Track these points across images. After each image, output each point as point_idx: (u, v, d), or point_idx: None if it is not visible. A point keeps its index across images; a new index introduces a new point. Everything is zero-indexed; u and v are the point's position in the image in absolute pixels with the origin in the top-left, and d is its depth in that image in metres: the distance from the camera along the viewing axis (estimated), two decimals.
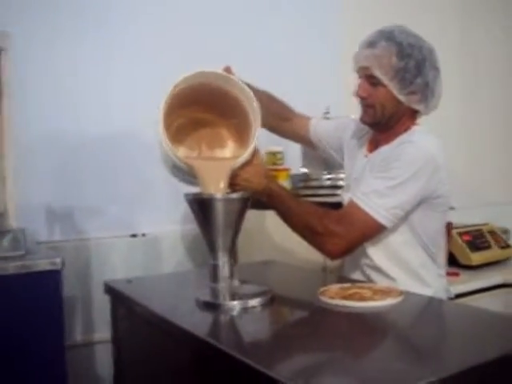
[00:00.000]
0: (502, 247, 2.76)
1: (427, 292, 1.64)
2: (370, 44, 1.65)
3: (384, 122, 1.70)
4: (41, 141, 2.15)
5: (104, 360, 2.12)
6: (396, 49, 1.62)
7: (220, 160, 1.58)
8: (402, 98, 1.65)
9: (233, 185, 1.52)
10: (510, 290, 2.48)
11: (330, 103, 2.30)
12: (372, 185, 1.62)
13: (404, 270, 1.68)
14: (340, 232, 1.59)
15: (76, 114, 2.22)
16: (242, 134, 1.59)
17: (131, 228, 2.33)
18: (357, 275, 1.74)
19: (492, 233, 2.79)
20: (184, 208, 1.63)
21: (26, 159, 2.04)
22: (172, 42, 2.39)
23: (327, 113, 2.24)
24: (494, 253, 2.69)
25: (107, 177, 2.28)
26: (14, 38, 1.82)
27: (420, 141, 1.65)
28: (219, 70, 1.57)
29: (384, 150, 1.71)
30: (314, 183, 2.25)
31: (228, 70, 1.59)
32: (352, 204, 1.62)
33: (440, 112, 1.77)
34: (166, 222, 2.40)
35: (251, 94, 1.52)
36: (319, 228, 1.60)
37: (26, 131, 2.04)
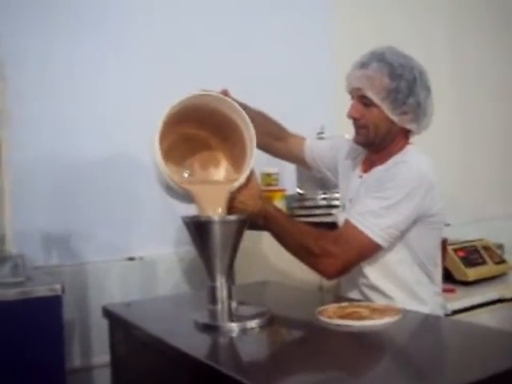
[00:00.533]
0: (497, 262, 2.76)
1: (424, 309, 1.65)
2: (362, 65, 1.68)
3: (377, 142, 1.72)
4: (36, 165, 2.15)
5: None
6: (387, 70, 1.65)
7: (217, 184, 1.59)
8: (394, 118, 1.68)
9: (229, 208, 1.53)
10: (507, 306, 2.48)
11: (324, 123, 2.32)
12: (367, 205, 1.63)
13: (401, 288, 1.69)
14: (336, 252, 1.60)
15: (72, 137, 2.22)
16: (236, 154, 1.60)
17: (128, 251, 2.32)
18: (354, 294, 1.75)
19: (487, 248, 2.80)
20: (181, 230, 1.64)
21: (22, 183, 2.04)
22: (164, 62, 2.41)
23: (321, 133, 2.26)
24: (489, 268, 2.70)
25: (103, 200, 2.28)
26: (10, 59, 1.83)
27: (413, 160, 1.67)
28: (216, 92, 1.59)
29: (378, 170, 1.73)
30: (309, 203, 2.26)
31: (225, 92, 1.61)
32: (348, 224, 1.64)
33: (432, 129, 1.78)
34: (163, 244, 2.40)
35: (247, 117, 1.54)
36: (315, 248, 1.61)
37: (21, 155, 2.04)
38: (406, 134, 1.74)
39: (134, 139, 2.03)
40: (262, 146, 1.79)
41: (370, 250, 1.63)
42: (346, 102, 1.75)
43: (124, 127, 2.29)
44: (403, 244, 1.67)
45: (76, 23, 2.25)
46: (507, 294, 2.49)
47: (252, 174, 1.57)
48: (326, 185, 2.18)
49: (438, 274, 1.79)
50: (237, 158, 1.60)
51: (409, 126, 1.71)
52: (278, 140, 2.00)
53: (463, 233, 2.89)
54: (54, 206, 2.20)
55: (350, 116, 1.72)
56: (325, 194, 2.24)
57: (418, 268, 1.71)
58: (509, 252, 3.06)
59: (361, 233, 1.60)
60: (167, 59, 2.42)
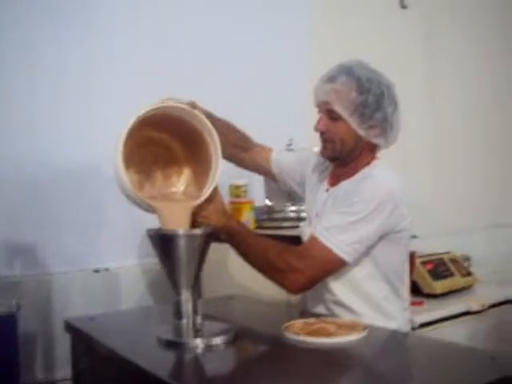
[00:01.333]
0: (464, 275, 2.77)
1: (391, 325, 1.64)
2: (330, 79, 1.67)
3: (344, 156, 1.72)
4: (1, 172, 2.11)
5: None
6: (355, 84, 1.64)
7: (181, 201, 1.57)
8: (361, 132, 1.67)
9: (192, 222, 1.51)
10: (474, 318, 2.49)
11: (294, 135, 2.31)
12: (333, 220, 1.62)
13: (367, 303, 1.68)
14: (301, 267, 1.58)
15: (39, 146, 2.18)
16: (200, 166, 1.59)
17: (93, 263, 2.28)
18: (320, 309, 1.73)
19: (454, 261, 2.81)
20: (147, 242, 1.62)
21: None
22: (135, 71, 2.38)
23: (290, 145, 2.25)
24: (456, 281, 2.70)
25: (69, 210, 2.24)
26: None
27: (380, 176, 1.67)
28: (183, 103, 1.57)
29: (345, 184, 1.72)
30: (277, 215, 2.25)
31: (193, 104, 1.58)
32: (313, 239, 1.62)
33: (403, 141, 1.79)
34: (128, 256, 2.36)
35: (214, 131, 1.53)
36: (279, 263, 1.59)
37: None
38: (372, 149, 1.74)
39: (100, 150, 2.00)
40: (226, 157, 1.77)
41: (335, 266, 1.62)
42: (316, 115, 1.74)
43: (86, 136, 2.26)
44: (369, 259, 1.66)
45: (62, 28, 2.23)
46: (474, 307, 2.50)
47: (216, 189, 1.56)
48: (295, 197, 2.16)
49: (406, 289, 1.79)
50: (201, 170, 1.59)
51: (376, 141, 1.70)
52: (243, 150, 1.96)
53: (430, 245, 2.89)
54: (18, 215, 2.15)
55: (317, 129, 1.71)
56: (293, 205, 2.23)
57: (384, 284, 1.70)
58: (476, 264, 3.09)
59: (326, 248, 1.59)
60: (137, 69, 2.40)
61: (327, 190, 1.78)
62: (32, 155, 2.17)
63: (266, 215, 2.30)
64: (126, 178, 1.43)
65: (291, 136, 2.29)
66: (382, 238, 1.64)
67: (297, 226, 2.12)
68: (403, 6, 3.32)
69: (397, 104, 1.71)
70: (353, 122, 1.65)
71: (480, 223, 3.66)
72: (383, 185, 1.64)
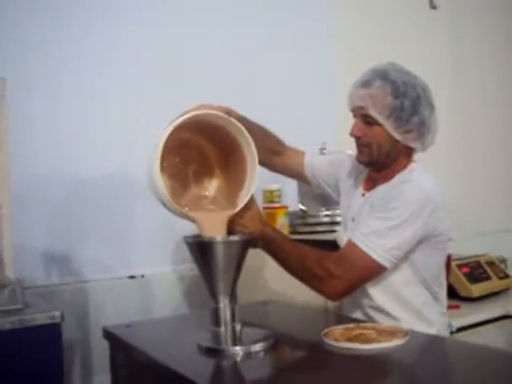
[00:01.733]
0: (501, 277, 2.73)
1: (430, 330, 1.62)
2: (365, 83, 1.65)
3: (380, 160, 1.70)
4: (35, 183, 2.13)
5: None
6: (391, 88, 1.62)
7: (218, 212, 1.56)
8: (398, 136, 1.65)
9: (228, 229, 1.51)
10: None
11: (326, 139, 2.30)
12: (371, 225, 1.60)
13: (406, 309, 1.66)
14: (339, 274, 1.57)
15: (72, 156, 2.21)
16: (234, 173, 1.58)
17: (129, 269, 2.30)
18: (357, 314, 1.71)
19: (490, 263, 2.77)
20: (181, 248, 1.62)
21: (23, 201, 2.02)
22: (167, 81, 2.40)
23: (323, 148, 2.24)
24: (493, 284, 2.66)
25: (103, 218, 2.26)
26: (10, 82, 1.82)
27: (418, 180, 1.64)
28: (219, 108, 1.56)
29: (382, 188, 1.70)
30: (311, 220, 2.24)
31: (228, 110, 1.56)
32: (351, 245, 1.61)
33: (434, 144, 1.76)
34: (163, 262, 2.38)
35: (251, 140, 1.51)
36: (318, 270, 1.59)
37: (21, 174, 2.02)
38: (409, 152, 1.72)
39: (132, 157, 2.02)
40: (259, 161, 1.76)
41: (373, 272, 1.60)
42: (349, 118, 1.73)
43: (122, 145, 2.29)
44: (408, 265, 1.64)
45: (83, 37, 2.26)
46: None
47: (252, 195, 1.55)
48: (329, 201, 2.16)
49: (444, 294, 1.77)
50: (233, 179, 1.58)
51: (412, 144, 1.68)
52: (277, 154, 1.95)
53: (465, 247, 2.86)
54: (54, 225, 2.18)
55: (353, 135, 1.69)
56: (327, 210, 2.22)
57: (423, 289, 1.68)
58: None
59: (364, 254, 1.57)
60: (166, 74, 2.41)
61: (363, 195, 1.76)
62: (63, 165, 2.19)
63: (300, 220, 2.29)
64: (164, 189, 1.42)
65: (324, 140, 2.28)
66: (420, 242, 1.62)
67: (331, 231, 2.11)
68: (433, 7, 3.29)
69: (433, 106, 1.69)
70: (389, 127, 1.63)
71: None
72: (421, 189, 1.62)
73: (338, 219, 2.14)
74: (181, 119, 1.45)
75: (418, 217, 1.58)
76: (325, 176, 1.94)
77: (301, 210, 2.32)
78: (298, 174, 2.00)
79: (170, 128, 1.43)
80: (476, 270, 2.65)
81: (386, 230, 1.57)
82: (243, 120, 1.61)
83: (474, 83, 3.54)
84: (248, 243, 1.49)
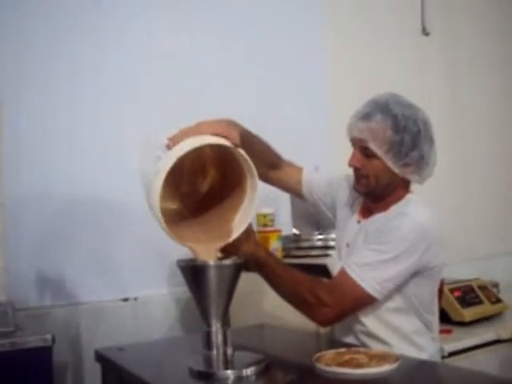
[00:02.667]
0: (493, 302, 2.73)
1: (422, 356, 1.62)
2: (365, 116, 1.64)
3: (378, 192, 1.69)
4: (28, 204, 2.14)
5: None
6: (391, 122, 1.61)
7: (214, 241, 1.52)
8: (396, 170, 1.64)
9: (221, 249, 1.51)
10: (504, 346, 2.46)
11: (319, 161, 2.28)
12: (365, 256, 1.60)
13: (398, 336, 1.66)
14: (331, 303, 1.58)
15: (65, 178, 2.22)
16: (231, 195, 1.56)
17: (122, 292, 2.30)
18: (349, 339, 1.71)
19: (482, 287, 2.78)
20: (175, 270, 1.63)
21: (15, 222, 2.03)
22: (161, 102, 2.42)
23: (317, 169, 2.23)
24: (485, 308, 2.67)
25: (97, 240, 2.26)
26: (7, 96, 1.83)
27: (414, 215, 1.63)
28: (221, 124, 1.52)
29: (378, 218, 1.70)
30: (305, 244, 2.24)
31: (230, 124, 1.54)
32: (344, 274, 1.61)
33: None
34: (157, 285, 2.38)
35: (255, 170, 1.47)
36: (309, 298, 1.59)
37: (14, 194, 2.03)
38: (407, 184, 1.72)
39: (125, 180, 2.03)
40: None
41: (364, 302, 1.61)
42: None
43: (116, 168, 2.29)
44: (400, 294, 1.64)
45: (74, 61, 2.28)
46: (504, 335, 2.46)
47: None
48: (322, 225, 2.16)
49: (436, 321, 1.77)
50: (231, 200, 1.56)
51: (411, 178, 1.68)
52: (274, 168, 1.91)
53: (457, 272, 2.87)
54: (47, 247, 2.18)
55: (351, 165, 1.69)
56: (321, 234, 2.22)
57: (415, 317, 1.68)
58: (504, 290, 3.04)
59: (357, 285, 1.58)
60: (162, 96, 2.43)
61: (359, 222, 1.76)
62: (57, 186, 2.20)
63: (293, 244, 2.30)
64: (162, 218, 1.40)
65: (317, 162, 2.28)
66: (413, 274, 1.62)
67: (324, 255, 2.12)
68: (426, 33, 3.34)
69: (433, 140, 1.68)
70: (388, 161, 1.63)
71: (507, 249, 3.63)
72: (417, 225, 1.61)
73: (332, 243, 2.14)
74: (186, 149, 1.40)
75: (413, 253, 1.59)
76: (322, 196, 1.92)
77: (294, 233, 2.32)
78: (294, 191, 1.98)
79: (174, 159, 1.39)
80: (468, 295, 2.66)
81: (379, 263, 1.58)
82: (245, 133, 1.59)
83: (468, 109, 3.57)
84: (241, 267, 1.50)
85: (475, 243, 3.42)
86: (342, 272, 1.62)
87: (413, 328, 1.68)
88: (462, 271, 2.93)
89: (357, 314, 1.66)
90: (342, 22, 3.02)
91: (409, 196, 1.72)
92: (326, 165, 2.31)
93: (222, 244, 1.50)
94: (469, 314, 2.56)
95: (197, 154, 1.47)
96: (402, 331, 1.66)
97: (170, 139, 1.45)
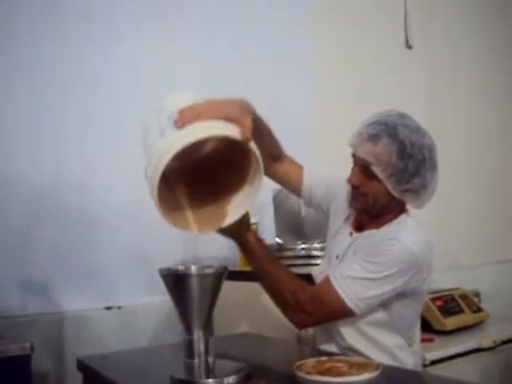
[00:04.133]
0: (474, 311, 2.76)
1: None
2: (372, 138, 1.60)
3: (374, 211, 1.68)
4: (15, 212, 2.15)
5: None
6: (397, 147, 1.59)
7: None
8: (396, 194, 1.63)
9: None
10: (485, 355, 2.48)
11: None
12: (353, 270, 1.60)
13: (377, 349, 1.66)
14: (310, 310, 1.60)
15: (51, 187, 2.22)
16: (229, 181, 1.51)
17: (106, 300, 2.30)
18: (331, 347, 1.71)
19: (464, 297, 2.81)
20: (159, 280, 1.63)
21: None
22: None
23: None
24: (466, 317, 2.70)
25: (81, 248, 2.27)
26: None
27: (407, 241, 1.61)
28: (235, 104, 1.43)
29: (371, 233, 1.69)
30: (288, 253, 2.25)
31: (244, 106, 1.45)
32: (328, 283, 1.61)
33: None
34: (140, 294, 2.37)
35: (262, 166, 1.41)
36: (290, 300, 1.62)
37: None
38: (403, 204, 1.70)
39: (111, 189, 2.04)
40: None
41: (343, 315, 1.62)
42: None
43: (102, 175, 2.30)
44: (383, 309, 1.64)
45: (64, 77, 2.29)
46: (485, 343, 2.49)
47: None
48: (305, 235, 2.18)
49: (417, 336, 1.78)
50: (229, 181, 1.50)
51: (409, 202, 1.67)
52: (276, 161, 1.83)
53: (439, 281, 2.88)
54: (31, 255, 2.18)
55: (350, 183, 1.67)
56: (304, 244, 2.23)
57: (396, 333, 1.67)
58: (486, 300, 3.07)
59: (339, 297, 1.58)
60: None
61: (351, 234, 1.75)
62: (44, 196, 2.21)
63: (276, 253, 2.30)
64: (161, 209, 1.38)
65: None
66: (399, 295, 1.62)
67: (308, 264, 2.13)
68: (409, 47, 3.37)
69: (436, 166, 1.67)
70: (389, 184, 1.61)
71: (488, 258, 3.66)
72: (408, 251, 1.59)
73: (315, 253, 2.17)
74: (191, 140, 1.31)
75: (400, 277, 1.58)
76: (320, 199, 1.89)
77: (277, 243, 2.34)
78: (292, 189, 1.93)
79: (178, 146, 1.31)
80: (449, 304, 2.69)
81: (364, 280, 1.58)
82: (257, 120, 1.50)
83: (451, 123, 3.61)
84: (222, 275, 1.50)
85: (456, 253, 3.45)
86: (327, 281, 1.62)
87: (393, 343, 1.67)
88: (444, 280, 2.95)
89: (337, 326, 1.67)
90: (324, 35, 3.05)
91: (403, 217, 1.70)
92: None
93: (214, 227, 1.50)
94: (450, 322, 2.59)
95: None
96: (381, 345, 1.66)
97: (180, 118, 1.34)
